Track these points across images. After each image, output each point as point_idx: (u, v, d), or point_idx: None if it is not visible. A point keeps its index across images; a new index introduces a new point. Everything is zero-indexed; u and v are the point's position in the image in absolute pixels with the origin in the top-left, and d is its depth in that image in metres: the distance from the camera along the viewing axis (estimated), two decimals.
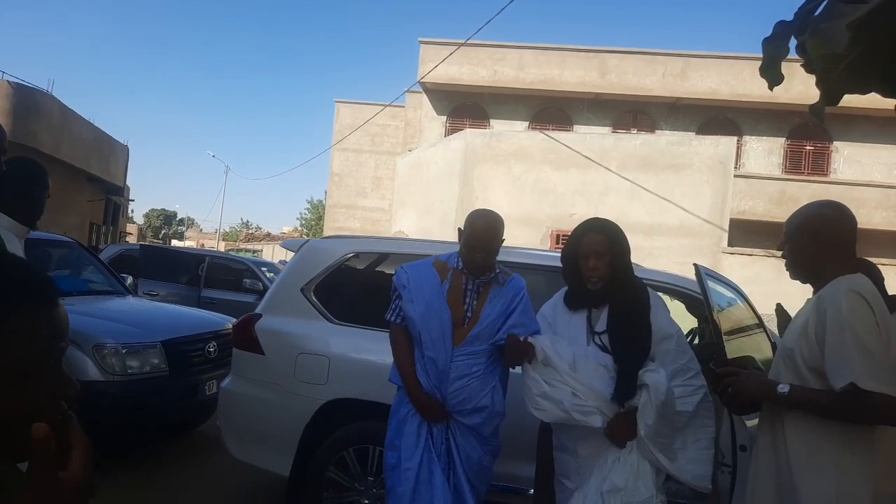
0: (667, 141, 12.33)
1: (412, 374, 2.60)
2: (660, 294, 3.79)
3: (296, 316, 3.63)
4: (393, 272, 2.85)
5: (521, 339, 2.48)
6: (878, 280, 2.27)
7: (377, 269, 3.84)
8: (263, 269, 9.35)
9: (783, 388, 1.82)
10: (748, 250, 10.95)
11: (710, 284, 2.77)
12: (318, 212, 40.47)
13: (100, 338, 4.11)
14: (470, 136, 13.16)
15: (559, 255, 2.74)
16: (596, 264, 2.42)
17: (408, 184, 15.20)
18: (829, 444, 1.79)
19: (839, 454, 1.78)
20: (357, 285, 3.89)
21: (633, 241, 3.64)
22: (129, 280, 5.96)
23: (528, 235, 11.28)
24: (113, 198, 22.01)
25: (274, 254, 27.32)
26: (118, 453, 4.34)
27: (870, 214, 14.83)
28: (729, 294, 3.33)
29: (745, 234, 14.06)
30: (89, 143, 15.29)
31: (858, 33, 1.15)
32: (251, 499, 4.14)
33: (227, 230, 46.47)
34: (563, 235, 12.17)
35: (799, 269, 2.03)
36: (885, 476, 1.88)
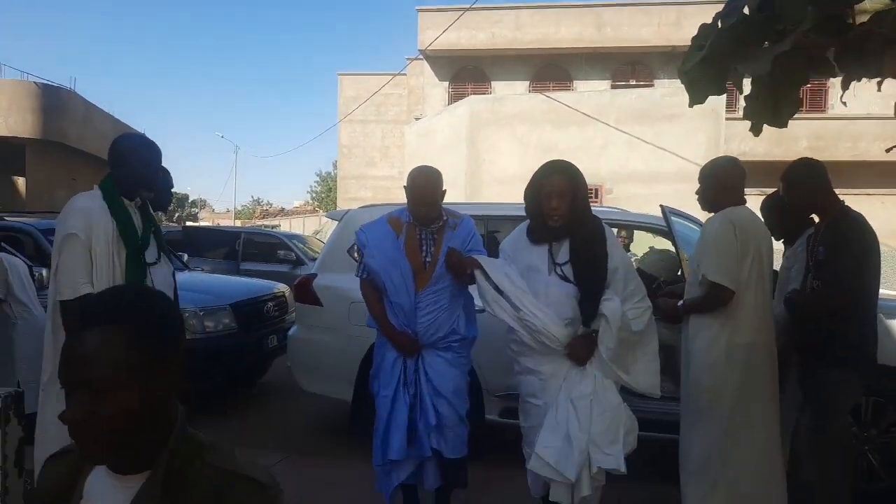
0: (660, 93, 12.86)
1: (384, 318, 2.86)
2: (645, 233, 4.59)
3: (346, 272, 4.40)
4: None
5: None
6: (857, 221, 2.72)
7: None
8: (294, 240, 10.15)
9: (679, 305, 2.86)
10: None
11: (676, 220, 3.51)
12: (327, 184, 40.95)
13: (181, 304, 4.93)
14: (474, 102, 13.75)
15: None
16: (558, 204, 2.60)
17: (417, 152, 15.82)
18: (703, 322, 2.80)
19: (710, 328, 2.75)
20: None
21: (634, 189, 4.29)
22: (185, 257, 6.77)
23: None
24: None
25: (291, 227, 28.12)
26: (198, 407, 5.16)
27: (868, 147, 15.25)
28: (696, 228, 4.07)
29: (748, 175, 14.58)
30: (111, 135, 16.03)
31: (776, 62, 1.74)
32: (320, 428, 4.99)
33: (240, 208, 47.40)
34: None
35: (706, 205, 2.93)
36: (737, 334, 2.75)
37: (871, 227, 2.67)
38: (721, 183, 2.84)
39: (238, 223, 40.04)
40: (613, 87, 18.15)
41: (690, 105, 1.78)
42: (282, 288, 6.11)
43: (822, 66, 1.70)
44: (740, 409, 2.73)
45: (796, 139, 15.56)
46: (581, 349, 2.60)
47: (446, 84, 20.00)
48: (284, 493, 0.99)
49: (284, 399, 5.68)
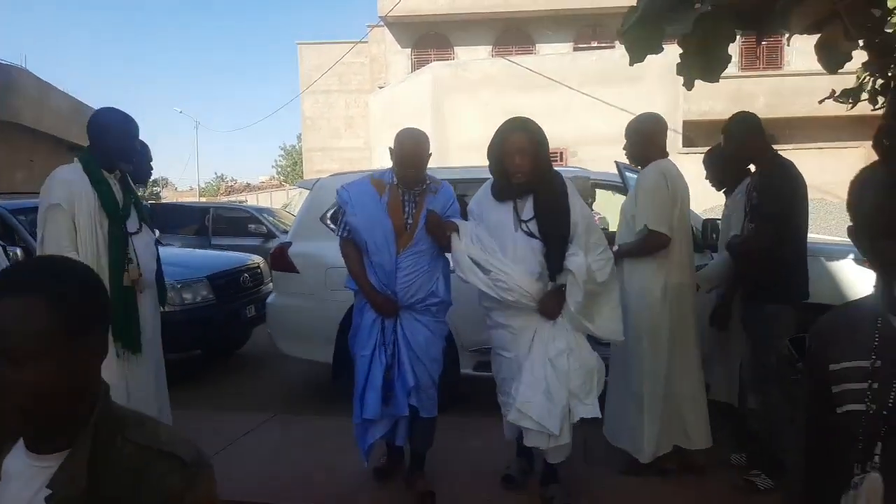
0: (620, 54, 13.04)
1: (364, 277, 2.86)
2: (605, 191, 4.82)
3: (319, 240, 4.54)
4: None
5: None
6: (787, 168, 2.94)
7: None
8: (264, 214, 10.18)
9: (615, 249, 3.07)
10: (699, 149, 11.93)
11: (630, 175, 3.73)
12: (292, 158, 40.39)
13: None
14: (437, 68, 13.76)
15: None
16: (521, 161, 2.65)
17: (382, 121, 15.81)
18: (639, 266, 3.04)
19: (646, 271, 3.03)
20: None
21: (597, 151, 4.45)
22: (157, 233, 6.80)
23: None
24: None
25: (258, 202, 27.85)
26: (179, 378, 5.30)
27: (823, 103, 15.72)
28: None
29: (707, 133, 14.89)
30: (67, 114, 15.60)
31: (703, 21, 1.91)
32: (302, 389, 5.18)
33: (203, 186, 46.56)
34: None
35: (634, 159, 3.16)
36: (671, 275, 3.03)
37: (799, 174, 2.91)
38: (648, 138, 3.09)
39: (203, 200, 39.41)
40: (576, 49, 18.24)
41: (630, 64, 1.95)
42: (256, 259, 6.22)
43: (747, 23, 1.90)
44: (677, 342, 3.02)
45: (754, 96, 15.93)
46: (552, 304, 2.70)
47: (409, 51, 19.86)
48: (212, 470, 0.96)
49: (267, 365, 5.86)
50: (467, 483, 3.06)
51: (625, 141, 3.22)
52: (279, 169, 43.42)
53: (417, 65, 19.13)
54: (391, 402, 2.85)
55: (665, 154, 3.11)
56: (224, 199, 34.17)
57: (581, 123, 12.30)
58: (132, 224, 2.85)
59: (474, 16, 18.35)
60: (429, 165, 2.95)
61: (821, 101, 3.60)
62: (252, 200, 29.03)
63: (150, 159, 3.37)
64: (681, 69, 1.91)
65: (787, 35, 1.90)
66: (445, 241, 2.80)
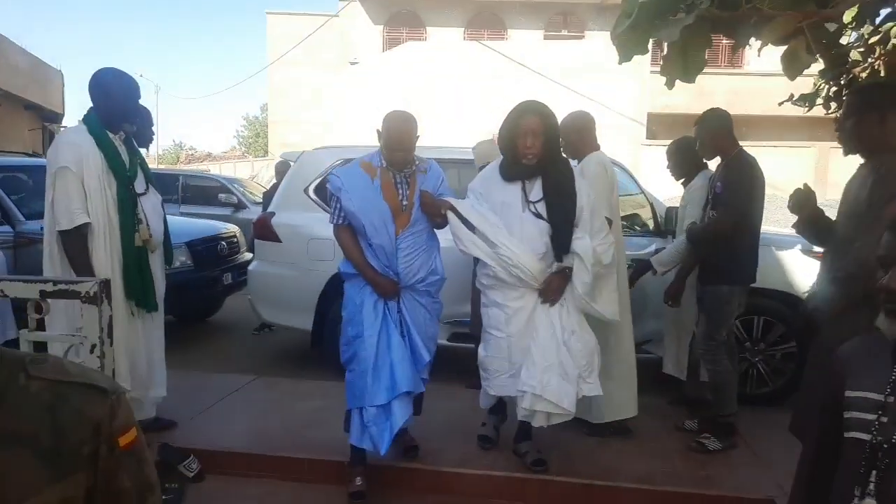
0: (592, 46, 13.37)
1: (365, 261, 2.85)
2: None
3: (303, 211, 4.69)
4: None
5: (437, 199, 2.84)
6: (749, 163, 3.21)
7: None
8: (234, 184, 10.15)
9: None
10: (663, 142, 12.44)
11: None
12: (255, 128, 39.70)
13: None
14: (411, 49, 13.83)
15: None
16: (533, 143, 2.71)
17: (354, 98, 15.79)
18: None
19: None
20: None
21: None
22: None
23: (471, 140, 12.32)
24: (48, 126, 21.53)
25: (221, 172, 27.39)
26: None
27: (778, 103, 16.40)
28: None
29: (669, 126, 15.40)
30: (25, 71, 15.06)
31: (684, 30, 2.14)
32: (281, 354, 5.34)
33: (161, 153, 45.31)
34: None
35: (570, 153, 3.31)
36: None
37: (760, 169, 3.22)
38: (583, 133, 3.32)
39: (163, 167, 38.40)
40: (546, 37, 18.50)
41: (619, 63, 2.17)
42: (232, 228, 6.30)
43: (723, 32, 2.15)
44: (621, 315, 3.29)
45: (713, 94, 16.46)
46: (556, 285, 2.77)
47: (381, 27, 19.77)
48: (126, 395, 0.92)
49: (241, 331, 5.99)
50: (445, 440, 3.30)
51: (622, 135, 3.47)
52: (241, 139, 42.62)
53: (389, 42, 19.10)
54: (406, 381, 2.79)
55: (597, 147, 3.35)
56: (184, 167, 33.35)
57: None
58: (139, 185, 2.94)
59: None
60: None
61: (780, 104, 3.93)
62: (215, 170, 28.51)
63: (152, 123, 3.44)
64: (664, 70, 2.15)
65: (759, 45, 2.16)
66: (441, 219, 2.85)
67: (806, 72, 2.30)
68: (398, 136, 2.77)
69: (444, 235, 3.02)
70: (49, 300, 1.50)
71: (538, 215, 2.78)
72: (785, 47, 2.00)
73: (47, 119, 20.93)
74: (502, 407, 3.26)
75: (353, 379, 2.83)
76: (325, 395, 3.82)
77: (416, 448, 3.13)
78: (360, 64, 16.98)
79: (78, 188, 2.73)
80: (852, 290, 2.16)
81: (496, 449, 3.22)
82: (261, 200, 7.95)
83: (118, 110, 2.88)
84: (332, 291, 4.55)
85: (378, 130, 2.86)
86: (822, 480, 1.28)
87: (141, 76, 50.35)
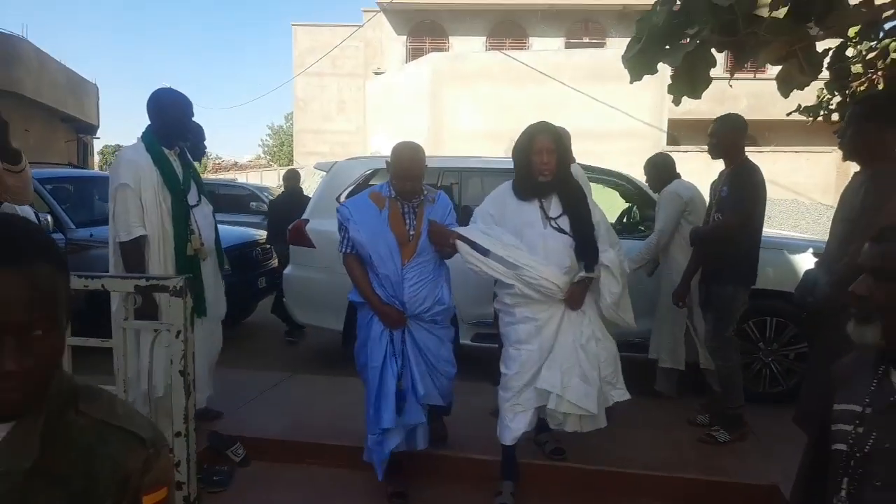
0: (613, 54, 13.53)
1: (371, 291, 2.87)
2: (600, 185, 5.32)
3: (334, 218, 4.95)
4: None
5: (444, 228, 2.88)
6: (754, 170, 3.38)
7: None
8: (265, 193, 10.52)
9: None
10: (682, 148, 12.54)
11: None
12: (279, 138, 40.29)
13: None
14: (435, 59, 14.14)
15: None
16: (548, 159, 2.78)
17: (379, 106, 16.14)
18: None
19: None
20: None
21: (586, 146, 4.90)
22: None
23: (493, 148, 12.56)
24: (82, 137, 22.28)
25: (248, 180, 27.99)
26: None
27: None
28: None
29: (692, 131, 15.48)
30: (64, 85, 15.71)
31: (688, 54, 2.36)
32: (314, 354, 5.62)
33: None
34: None
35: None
36: None
37: (763, 176, 3.41)
38: (568, 147, 3.55)
39: None
40: (567, 44, 18.70)
41: (631, 82, 2.39)
42: (264, 235, 6.61)
43: (727, 49, 2.36)
44: None
45: (736, 98, 16.47)
46: (578, 295, 2.84)
47: (404, 38, 20.14)
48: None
49: (273, 333, 6.29)
50: (468, 431, 3.50)
51: (643, 142, 3.69)
52: (266, 148, 43.34)
53: (413, 52, 19.46)
54: (404, 413, 2.88)
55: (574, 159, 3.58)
56: (211, 176, 34.13)
57: (572, 118, 12.67)
58: (192, 197, 3.17)
59: (469, 6, 18.70)
60: (427, 154, 3.03)
61: (788, 114, 4.09)
62: (241, 179, 29.12)
63: (204, 138, 3.71)
64: (671, 89, 2.37)
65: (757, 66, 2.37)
66: (450, 249, 2.87)
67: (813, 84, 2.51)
68: (407, 167, 2.82)
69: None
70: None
71: (560, 230, 2.83)
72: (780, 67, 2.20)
73: (82, 131, 21.69)
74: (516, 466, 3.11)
75: (366, 404, 2.95)
76: (358, 391, 4.04)
77: (445, 437, 3.31)
78: (385, 74, 17.33)
79: (136, 203, 2.97)
80: (845, 292, 2.35)
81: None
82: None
83: (173, 128, 3.11)
84: None
85: (387, 161, 2.91)
86: (814, 491, 1.34)
87: (169, 87, 51.69)
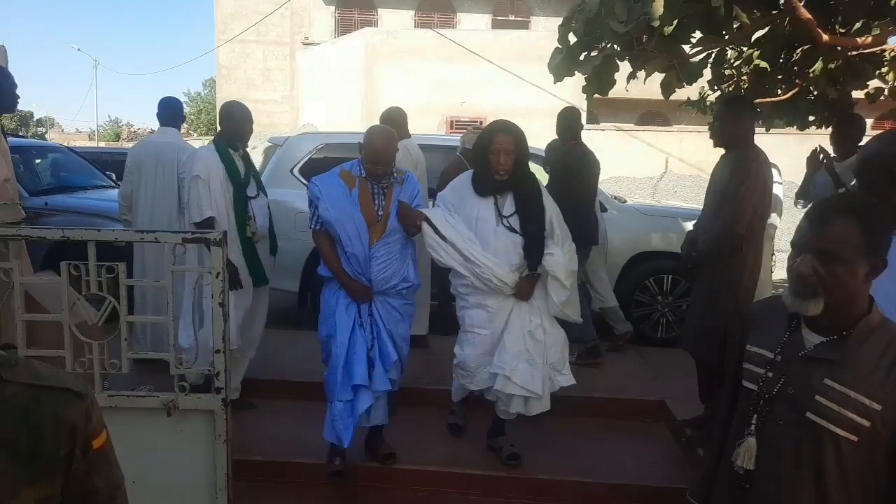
0: (536, 36, 14.31)
1: (340, 267, 2.97)
2: None
3: (289, 188, 5.44)
4: (345, 154, 4.04)
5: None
6: (585, 152, 4.36)
7: (336, 154, 5.69)
8: None
9: None
10: (600, 126, 13.57)
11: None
12: (197, 105, 39.02)
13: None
14: (369, 34, 14.45)
15: (448, 137, 4.18)
16: (505, 160, 2.89)
17: (311, 78, 16.24)
18: None
19: None
20: (326, 165, 5.72)
21: (513, 121, 5.55)
22: (113, 176, 7.32)
23: (427, 122, 13.11)
24: None
25: None
26: None
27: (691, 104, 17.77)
28: None
29: (611, 109, 16.53)
30: None
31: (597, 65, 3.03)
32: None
33: (97, 130, 43.95)
34: (457, 121, 14.15)
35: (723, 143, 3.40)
36: None
37: (594, 156, 4.22)
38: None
39: (102, 145, 37.40)
40: (494, 21, 19.29)
41: (554, 83, 3.02)
42: None
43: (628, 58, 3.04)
44: None
45: (653, 78, 17.71)
46: (527, 289, 2.99)
47: (332, 8, 20.06)
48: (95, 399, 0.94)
49: None
50: (419, 436, 3.52)
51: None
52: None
53: (341, 23, 19.48)
54: (373, 379, 2.94)
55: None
56: (126, 144, 32.64)
57: (499, 96, 13.49)
58: (251, 190, 3.70)
59: None
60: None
61: (680, 106, 4.90)
62: None
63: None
64: (585, 90, 3.04)
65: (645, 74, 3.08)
66: (416, 230, 3.00)
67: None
68: (380, 151, 2.90)
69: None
70: (186, 244, 2.28)
71: (511, 229, 2.97)
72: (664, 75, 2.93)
73: None
74: (470, 400, 3.44)
75: (327, 376, 3.02)
76: (308, 342, 4.61)
77: (392, 455, 3.22)
78: (317, 46, 17.38)
79: (206, 191, 3.48)
80: (717, 247, 3.12)
81: (476, 443, 3.42)
82: None
83: (238, 134, 3.66)
84: (315, 260, 5.29)
85: (359, 143, 2.99)
86: (728, 422, 1.49)
87: (78, 50, 48.53)
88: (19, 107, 4.05)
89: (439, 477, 3.18)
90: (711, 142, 3.17)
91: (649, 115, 17.34)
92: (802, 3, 2.38)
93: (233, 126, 3.65)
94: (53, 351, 2.19)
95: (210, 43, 26.37)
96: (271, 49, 25.43)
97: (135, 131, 37.81)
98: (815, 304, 1.27)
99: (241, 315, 3.60)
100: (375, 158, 2.90)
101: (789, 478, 1.31)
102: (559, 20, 2.97)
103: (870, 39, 2.49)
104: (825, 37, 2.18)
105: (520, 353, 2.95)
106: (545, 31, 16.11)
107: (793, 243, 1.32)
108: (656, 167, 13.52)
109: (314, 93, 16.31)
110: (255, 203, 3.71)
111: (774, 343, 1.36)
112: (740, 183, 3.02)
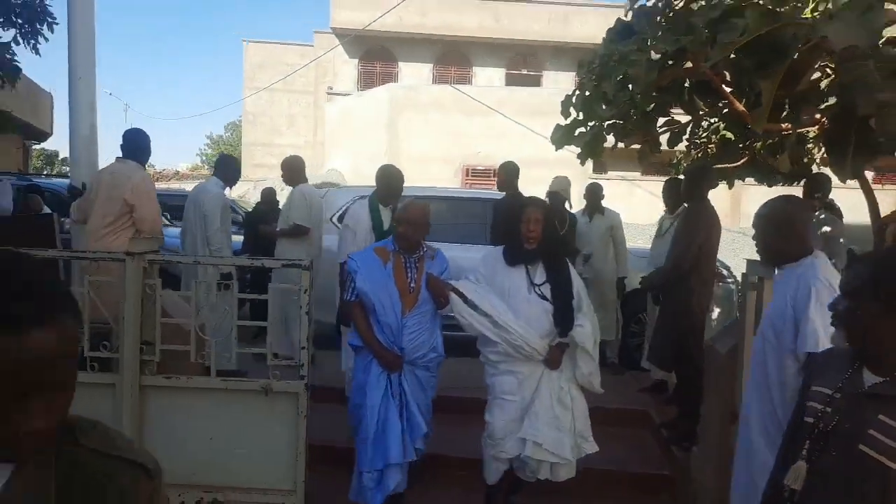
0: (548, 92, 15.38)
1: (373, 337, 3.12)
2: None
3: (329, 234, 6.30)
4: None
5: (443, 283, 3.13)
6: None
7: None
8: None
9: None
10: (605, 176, 14.46)
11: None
12: (219, 148, 40.40)
13: None
14: (392, 88, 15.73)
15: (463, 189, 4.83)
16: (535, 228, 3.05)
17: (337, 128, 17.39)
18: None
19: None
20: None
21: (525, 172, 6.28)
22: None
23: (445, 170, 14.19)
24: (27, 143, 22.13)
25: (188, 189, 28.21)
26: None
27: None
28: None
29: (616, 159, 17.34)
30: (20, 92, 15.99)
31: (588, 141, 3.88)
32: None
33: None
34: (472, 169, 15.22)
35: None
36: None
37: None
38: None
39: (165, 189, 38.39)
40: (508, 75, 20.45)
41: (556, 150, 3.87)
42: None
43: (617, 136, 3.88)
44: None
45: None
46: (557, 358, 3.08)
47: (356, 61, 21.29)
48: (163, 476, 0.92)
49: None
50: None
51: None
52: (205, 158, 43.28)
53: (364, 75, 20.73)
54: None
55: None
56: (159, 186, 33.76)
57: (513, 147, 14.47)
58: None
59: (418, 35, 19.93)
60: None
61: (666, 165, 5.73)
62: (181, 187, 29.00)
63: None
64: (580, 156, 3.89)
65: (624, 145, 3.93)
66: (444, 300, 3.14)
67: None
68: (418, 220, 3.16)
69: None
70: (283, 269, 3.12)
71: (543, 297, 3.09)
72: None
73: (31, 137, 21.55)
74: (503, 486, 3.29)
75: (358, 444, 3.16)
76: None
77: None
78: (342, 98, 18.58)
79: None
80: (667, 280, 4.01)
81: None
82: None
83: (389, 194, 4.28)
84: None
85: (394, 217, 3.37)
86: (790, 448, 1.60)
87: (110, 94, 50.55)
88: (49, 146, 4.70)
89: None
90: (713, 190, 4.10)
91: (657, 164, 18.24)
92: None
93: (387, 188, 4.24)
94: (181, 346, 3.00)
95: (236, 89, 27.56)
96: (296, 97, 26.70)
97: (160, 172, 39.25)
98: (839, 334, 1.51)
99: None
100: (413, 228, 3.16)
101: None
102: (570, 74, 3.83)
103: (789, 126, 3.29)
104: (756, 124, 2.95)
105: (550, 420, 3.04)
106: (556, 88, 17.24)
107: (843, 289, 1.48)
108: (658, 214, 14.27)
109: (340, 141, 17.41)
110: None
111: (835, 382, 1.47)
112: (687, 230, 3.91)
